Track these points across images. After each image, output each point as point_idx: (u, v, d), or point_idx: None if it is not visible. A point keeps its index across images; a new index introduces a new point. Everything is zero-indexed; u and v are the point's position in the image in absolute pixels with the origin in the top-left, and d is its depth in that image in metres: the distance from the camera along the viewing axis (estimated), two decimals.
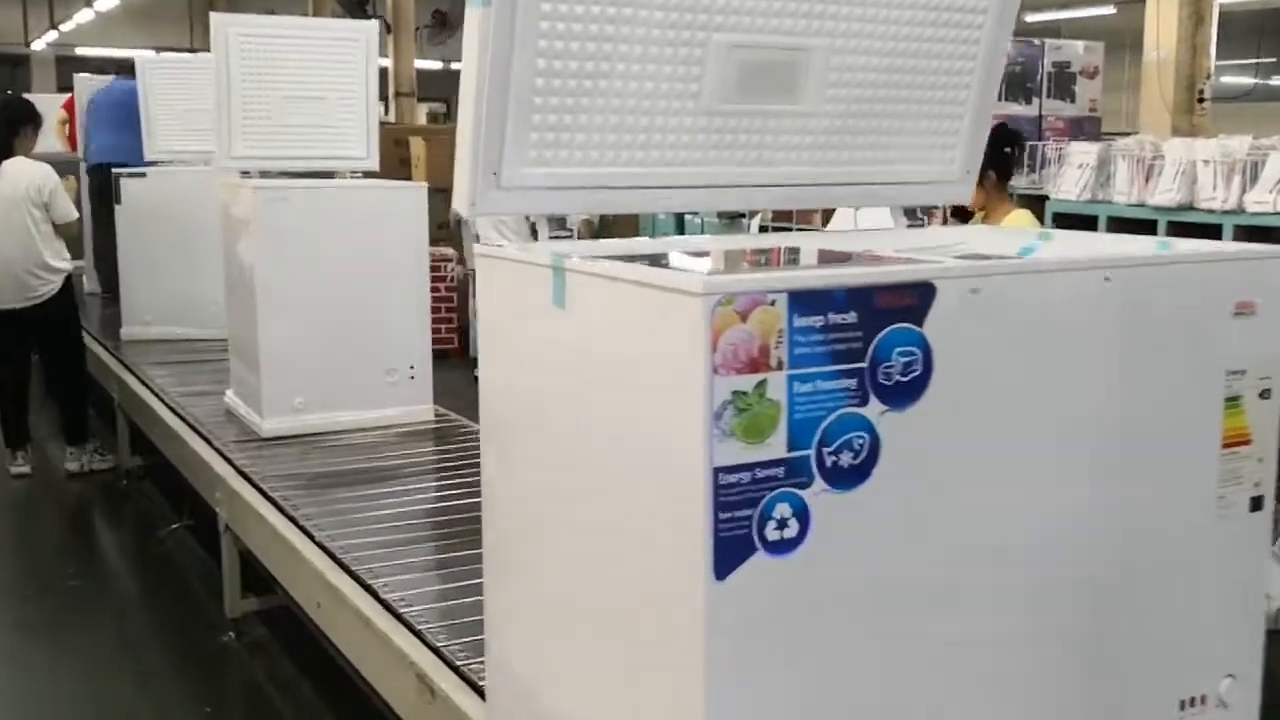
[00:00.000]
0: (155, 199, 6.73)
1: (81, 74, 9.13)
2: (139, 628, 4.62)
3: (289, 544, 3.63)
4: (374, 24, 5.26)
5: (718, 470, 1.47)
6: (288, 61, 4.97)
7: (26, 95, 8.06)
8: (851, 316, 1.53)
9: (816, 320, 1.51)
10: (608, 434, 1.71)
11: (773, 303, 1.48)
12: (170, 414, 5.25)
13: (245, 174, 4.97)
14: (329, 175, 5.12)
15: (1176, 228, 5.18)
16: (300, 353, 4.67)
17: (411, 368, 4.87)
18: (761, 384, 1.48)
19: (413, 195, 4.89)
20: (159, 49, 15.02)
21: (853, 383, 1.54)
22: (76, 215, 6.28)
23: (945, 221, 4.60)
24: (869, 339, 1.55)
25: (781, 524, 1.51)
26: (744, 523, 1.49)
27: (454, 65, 13.71)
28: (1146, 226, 5.27)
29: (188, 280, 6.70)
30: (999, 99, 3.79)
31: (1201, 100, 7.68)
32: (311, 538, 3.61)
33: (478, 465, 2.15)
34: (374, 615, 3.04)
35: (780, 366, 1.49)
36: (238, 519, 4.18)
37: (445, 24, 16.04)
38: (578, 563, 1.85)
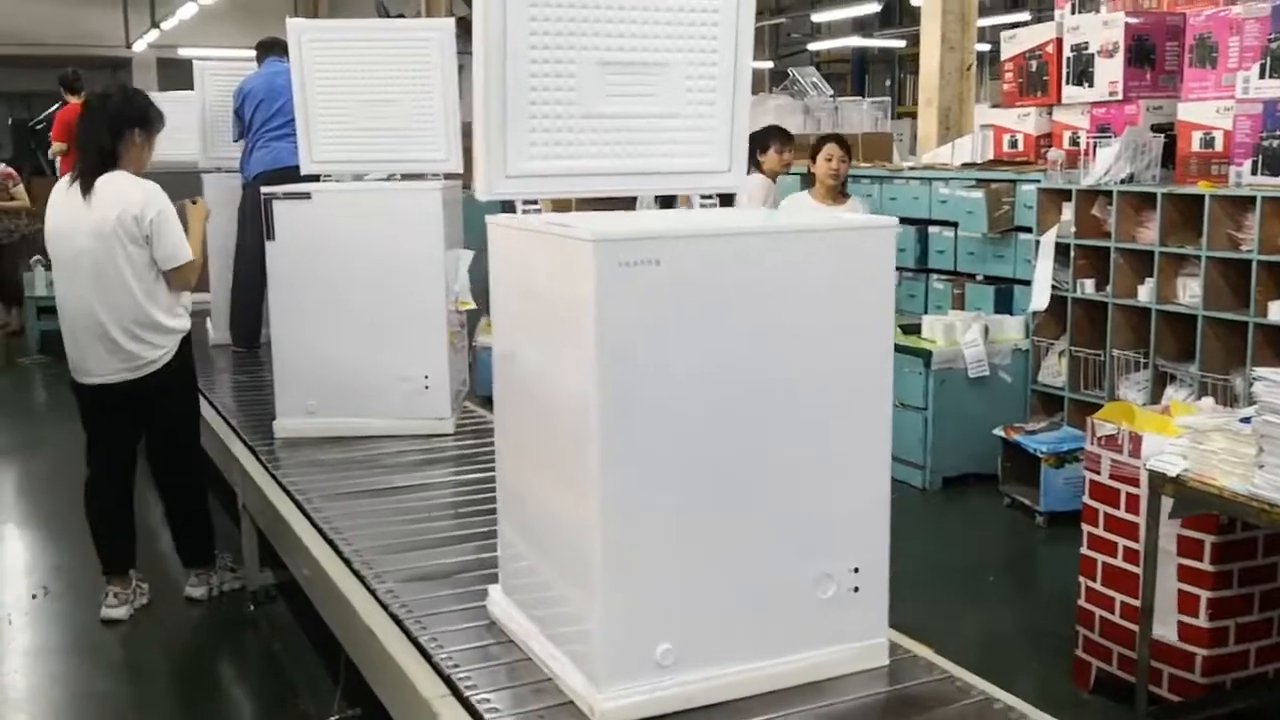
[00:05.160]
0: (322, 233, 4.47)
1: (200, 60, 6.99)
2: None
3: None
4: None
5: None
6: (608, 9, 2.69)
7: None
8: None
9: None
10: None
11: None
12: (384, 620, 3.00)
13: (531, 204, 2.72)
14: (668, 202, 2.84)
15: None
16: (683, 555, 2.36)
17: (855, 570, 2.55)
18: None
19: (879, 239, 2.51)
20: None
21: None
22: (190, 257, 4.17)
23: None
24: None
25: None
26: None
27: None
28: None
29: (373, 351, 4.50)
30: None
31: None
32: None
33: None
34: None
35: None
36: None
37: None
38: None
